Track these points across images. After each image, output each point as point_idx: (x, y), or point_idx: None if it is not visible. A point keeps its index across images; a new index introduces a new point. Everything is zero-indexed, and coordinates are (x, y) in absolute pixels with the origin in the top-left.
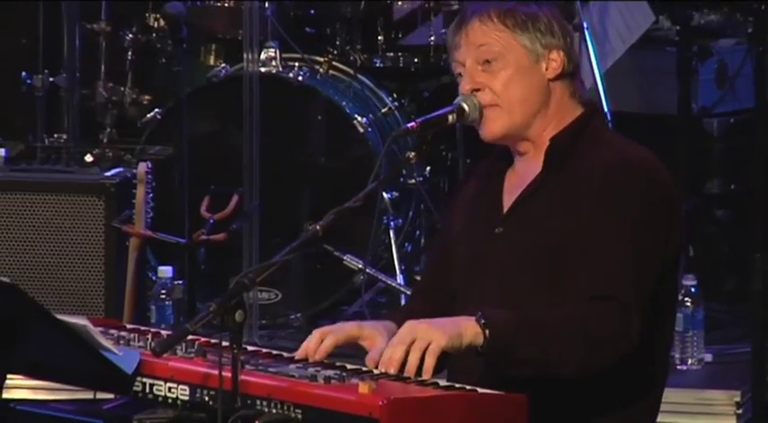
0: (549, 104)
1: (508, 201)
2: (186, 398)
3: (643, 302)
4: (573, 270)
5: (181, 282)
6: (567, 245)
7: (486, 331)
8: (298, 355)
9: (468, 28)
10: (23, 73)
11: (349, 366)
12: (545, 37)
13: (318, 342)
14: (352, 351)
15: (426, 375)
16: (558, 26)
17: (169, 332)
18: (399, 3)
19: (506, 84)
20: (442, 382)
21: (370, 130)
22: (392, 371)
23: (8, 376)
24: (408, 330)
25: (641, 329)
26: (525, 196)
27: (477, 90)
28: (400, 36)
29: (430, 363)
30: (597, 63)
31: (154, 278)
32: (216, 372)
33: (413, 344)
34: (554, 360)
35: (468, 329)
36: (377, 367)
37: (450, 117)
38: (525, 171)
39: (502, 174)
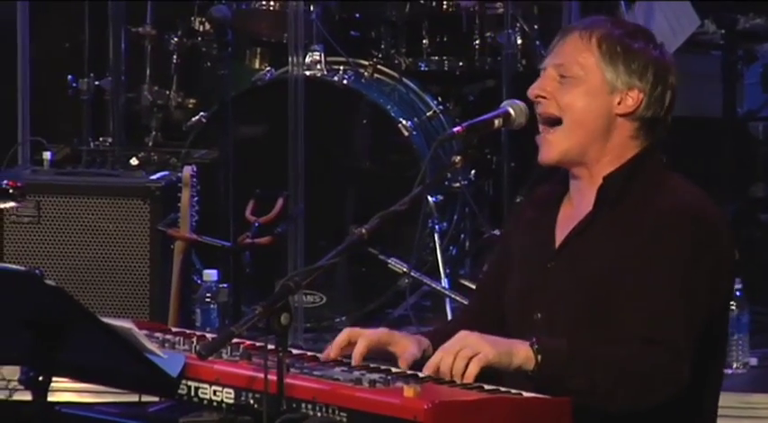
0: (610, 137)
1: (561, 234)
2: (231, 401)
3: (691, 348)
4: (618, 312)
5: (226, 285)
6: (614, 286)
7: (539, 357)
8: (327, 352)
9: (566, 37)
10: (69, 76)
11: (394, 370)
12: (632, 76)
13: (346, 341)
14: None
15: (468, 381)
16: (653, 71)
17: (214, 335)
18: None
19: (572, 100)
20: (487, 386)
21: (414, 133)
22: (441, 374)
23: (54, 379)
24: (459, 339)
25: (689, 374)
26: (577, 233)
27: (543, 97)
28: (445, 39)
29: (473, 370)
30: None
31: (199, 281)
32: (261, 375)
33: (461, 351)
34: (601, 394)
35: (520, 352)
36: (408, 367)
37: (496, 121)
38: (580, 203)
39: (558, 202)
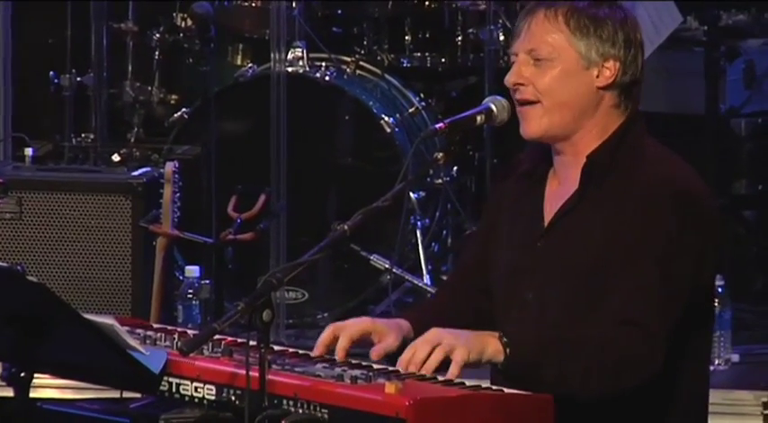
0: (595, 112)
1: (549, 212)
2: (213, 397)
3: (668, 330)
4: (607, 290)
5: (208, 281)
6: (604, 265)
7: (508, 350)
8: (315, 352)
9: (532, 20)
10: (51, 73)
11: (375, 366)
12: (604, 45)
13: (331, 337)
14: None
15: (451, 376)
16: (624, 36)
17: (196, 332)
18: None
19: (551, 84)
20: (469, 382)
21: (397, 130)
22: (411, 369)
23: (35, 375)
24: (435, 334)
25: (662, 358)
26: (565, 211)
27: (521, 84)
28: (427, 36)
29: (454, 371)
30: None
31: (181, 278)
32: (243, 371)
33: (437, 346)
34: (575, 383)
35: (489, 346)
36: (378, 358)
37: (478, 118)
38: (566, 178)
39: (543, 178)
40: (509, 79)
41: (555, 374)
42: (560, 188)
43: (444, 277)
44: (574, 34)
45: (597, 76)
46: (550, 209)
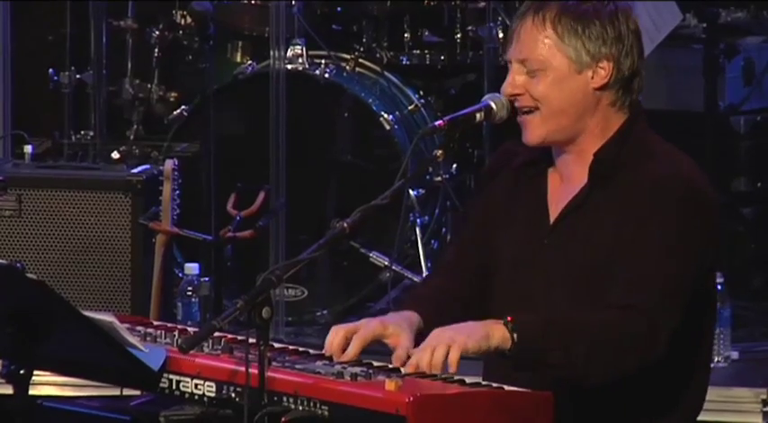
0: (595, 112)
1: (554, 209)
2: (213, 394)
3: (672, 319)
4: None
5: (207, 279)
6: (614, 260)
7: (515, 335)
8: (327, 353)
9: (521, 26)
10: (50, 70)
11: (375, 363)
12: (594, 45)
13: (343, 340)
14: (378, 347)
15: (452, 368)
16: (614, 32)
17: (196, 329)
18: None
19: (546, 92)
20: (469, 380)
21: (396, 127)
22: (434, 371)
23: (35, 373)
24: (435, 337)
25: (666, 343)
26: (572, 209)
27: (518, 94)
28: (427, 33)
29: (454, 356)
30: None
31: (180, 275)
32: (242, 368)
33: (437, 348)
34: (580, 366)
35: (495, 333)
36: (404, 366)
37: (477, 115)
38: (570, 176)
39: (544, 173)
40: (505, 90)
41: (561, 357)
42: (564, 185)
43: None
44: (562, 39)
45: (592, 78)
46: (556, 207)
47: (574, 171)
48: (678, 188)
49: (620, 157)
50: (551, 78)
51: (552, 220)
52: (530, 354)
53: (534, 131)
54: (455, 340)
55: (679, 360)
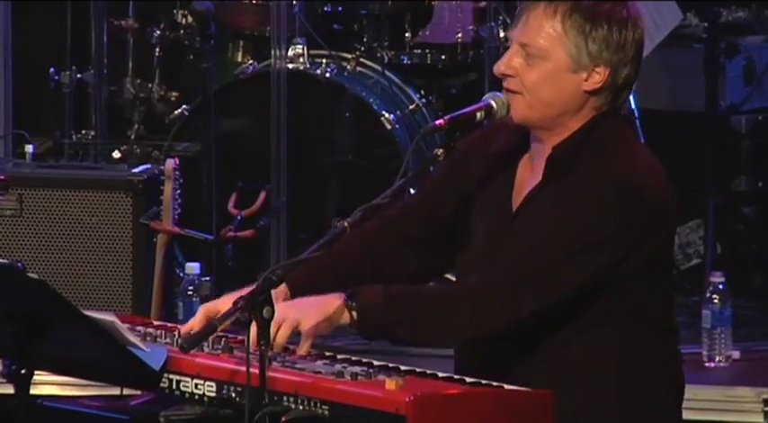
0: (579, 112)
1: (517, 197)
2: (213, 394)
3: (544, 287)
4: None
5: (208, 278)
6: None
7: (354, 313)
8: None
9: (531, 11)
10: (51, 69)
11: (376, 363)
12: (597, 48)
13: (204, 320)
14: (378, 347)
15: (301, 351)
16: (619, 38)
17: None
18: None
19: (536, 81)
20: (469, 379)
21: (397, 126)
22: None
23: (36, 372)
24: (279, 313)
25: (537, 310)
26: (528, 200)
27: (509, 75)
28: (428, 33)
29: (306, 347)
30: None
31: (181, 274)
32: (243, 368)
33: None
34: (427, 335)
35: (335, 311)
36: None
37: (478, 114)
38: (538, 167)
39: (517, 158)
40: (498, 67)
41: (408, 330)
42: (530, 176)
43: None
44: (567, 34)
45: (586, 80)
46: (518, 195)
47: (541, 163)
48: (615, 190)
49: (580, 153)
50: (546, 70)
51: (514, 208)
52: (374, 330)
53: (518, 111)
54: (299, 321)
55: (646, 328)
